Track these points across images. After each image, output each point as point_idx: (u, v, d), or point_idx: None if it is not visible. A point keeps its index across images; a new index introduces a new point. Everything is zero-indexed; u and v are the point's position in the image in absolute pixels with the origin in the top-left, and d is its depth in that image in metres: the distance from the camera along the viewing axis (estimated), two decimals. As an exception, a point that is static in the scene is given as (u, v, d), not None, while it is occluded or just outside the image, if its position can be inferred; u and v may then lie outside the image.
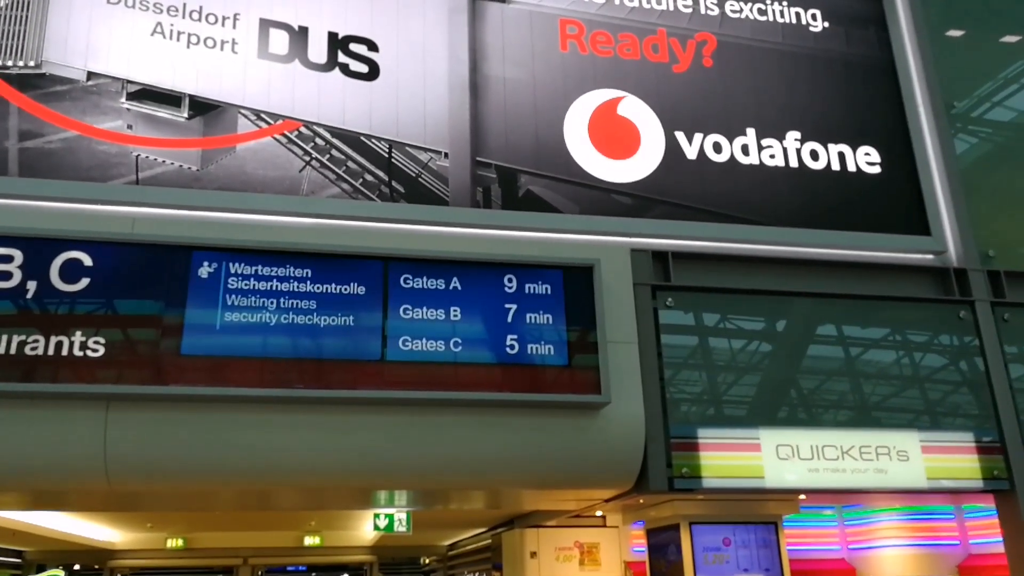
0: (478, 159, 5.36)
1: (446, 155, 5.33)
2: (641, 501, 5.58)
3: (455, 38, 5.62)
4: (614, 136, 5.60)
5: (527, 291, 4.77)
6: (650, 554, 6.12)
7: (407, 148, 5.30)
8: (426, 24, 5.62)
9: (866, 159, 5.96)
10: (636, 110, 5.72)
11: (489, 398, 4.53)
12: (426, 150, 5.32)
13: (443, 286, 4.68)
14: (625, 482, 4.87)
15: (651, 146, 5.63)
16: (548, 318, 4.74)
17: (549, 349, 4.67)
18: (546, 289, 4.80)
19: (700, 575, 5.38)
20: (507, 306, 4.71)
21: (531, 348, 4.65)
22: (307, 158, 5.14)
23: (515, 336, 4.65)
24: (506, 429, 4.60)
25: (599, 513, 7.05)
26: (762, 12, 6.27)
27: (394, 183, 5.21)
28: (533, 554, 7.35)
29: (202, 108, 5.09)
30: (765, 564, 5.53)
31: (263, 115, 5.16)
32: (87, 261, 4.34)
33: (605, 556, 7.39)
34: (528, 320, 4.70)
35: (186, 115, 5.06)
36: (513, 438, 4.62)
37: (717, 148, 5.73)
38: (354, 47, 5.44)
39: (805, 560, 7.33)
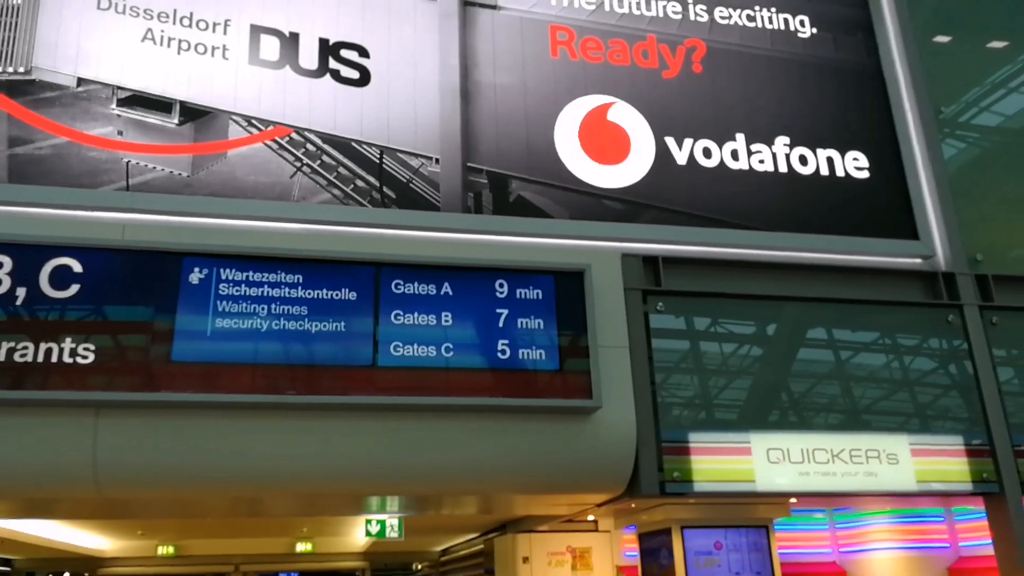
0: (469, 165, 5.37)
1: (437, 161, 5.34)
2: (633, 505, 5.59)
3: (446, 44, 5.63)
4: (604, 142, 5.62)
5: (518, 296, 4.78)
6: (642, 558, 6.13)
7: (398, 154, 5.30)
8: (417, 30, 5.63)
9: (855, 164, 5.99)
10: (626, 116, 5.74)
11: (481, 403, 4.53)
12: (417, 156, 5.33)
13: (434, 291, 4.69)
14: (617, 486, 4.88)
15: (641, 151, 5.65)
16: (539, 323, 4.75)
17: (540, 354, 4.68)
18: (537, 294, 4.81)
19: (692, 579, 5.40)
20: (498, 311, 4.72)
21: (522, 353, 4.65)
22: (298, 164, 5.14)
23: (506, 341, 4.66)
24: (498, 434, 4.60)
25: (591, 518, 7.05)
26: (751, 18, 6.31)
27: (385, 189, 5.21)
28: (525, 559, 7.33)
29: (193, 114, 5.09)
30: (756, 568, 5.54)
31: (254, 121, 5.16)
32: (77, 267, 4.32)
33: (597, 561, 7.38)
34: (519, 325, 4.71)
35: (177, 121, 5.05)
36: (505, 443, 4.62)
37: (707, 153, 5.76)
38: (345, 53, 5.45)
39: (796, 563, 7.33)
